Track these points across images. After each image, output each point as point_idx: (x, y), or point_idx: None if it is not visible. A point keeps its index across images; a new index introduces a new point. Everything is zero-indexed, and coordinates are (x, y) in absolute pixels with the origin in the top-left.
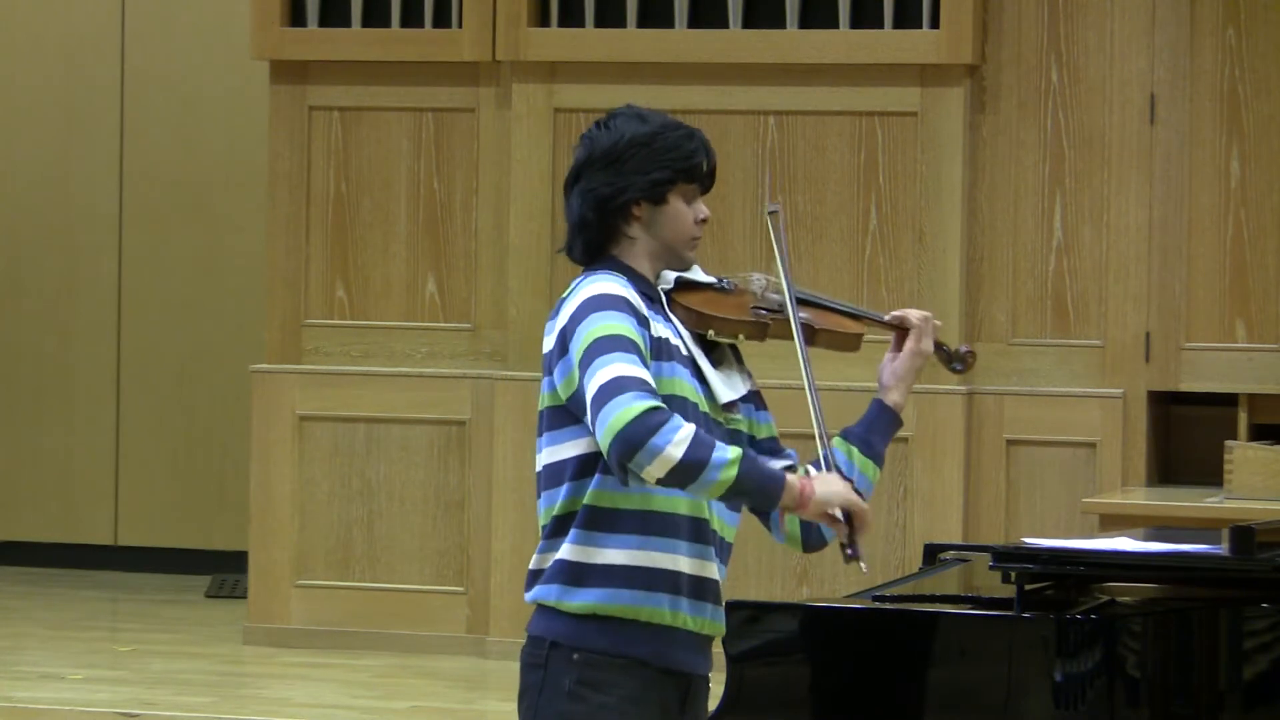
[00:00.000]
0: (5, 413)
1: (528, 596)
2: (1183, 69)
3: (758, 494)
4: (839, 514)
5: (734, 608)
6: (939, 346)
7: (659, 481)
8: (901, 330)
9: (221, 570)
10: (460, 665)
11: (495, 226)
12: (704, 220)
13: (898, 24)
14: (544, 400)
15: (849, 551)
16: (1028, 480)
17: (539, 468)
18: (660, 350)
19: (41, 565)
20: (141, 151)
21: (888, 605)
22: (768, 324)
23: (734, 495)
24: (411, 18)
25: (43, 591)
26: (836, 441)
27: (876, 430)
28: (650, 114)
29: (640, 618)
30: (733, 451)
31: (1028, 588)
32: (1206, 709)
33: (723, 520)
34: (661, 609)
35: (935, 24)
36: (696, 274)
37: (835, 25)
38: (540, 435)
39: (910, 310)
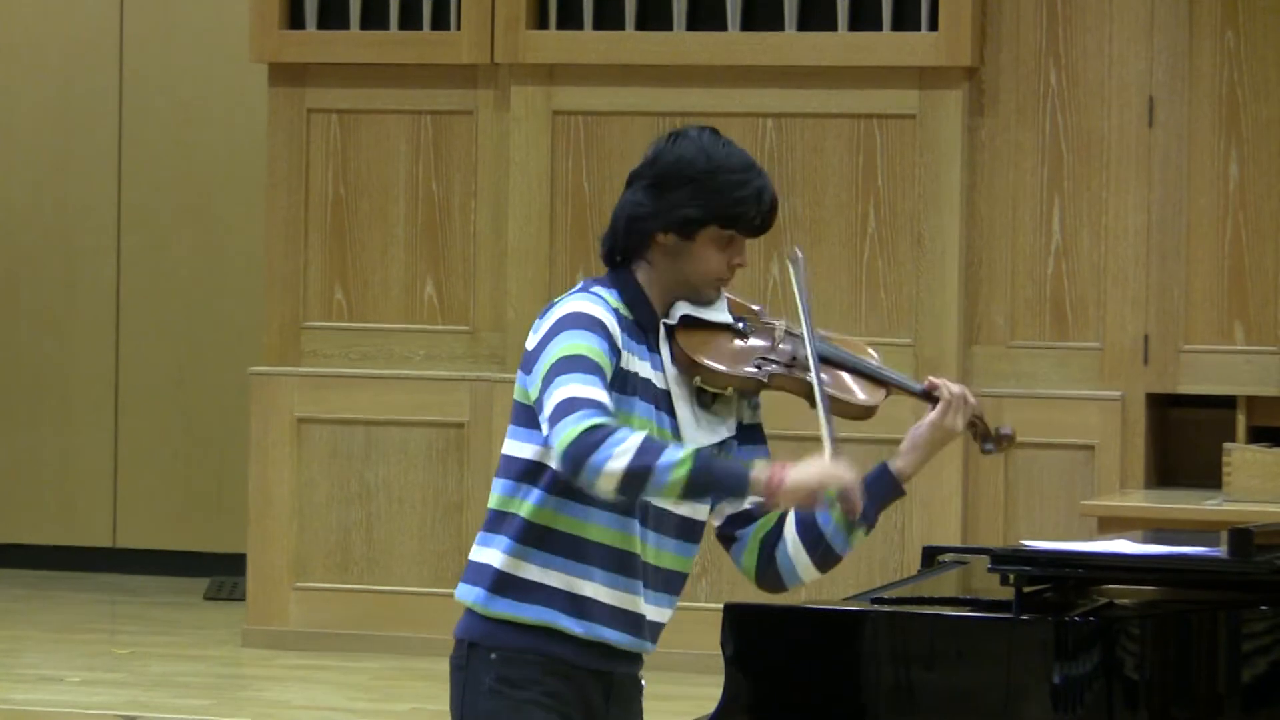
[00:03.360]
0: (4, 415)
1: (457, 594)
2: (1181, 72)
3: (718, 488)
4: (832, 492)
5: (732, 610)
6: (974, 423)
7: (616, 493)
8: (932, 402)
9: (220, 572)
10: None
11: (494, 229)
12: (738, 265)
13: (896, 26)
14: (518, 391)
15: (856, 520)
16: (1026, 483)
17: (502, 451)
18: (625, 383)
19: (40, 568)
20: (140, 154)
21: (886, 607)
22: (762, 381)
23: (694, 494)
24: (409, 20)
25: (41, 594)
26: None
27: (870, 493)
28: (717, 149)
29: (557, 628)
30: (684, 451)
31: (1026, 590)
32: (1205, 712)
33: (659, 550)
34: (574, 631)
35: (934, 27)
36: (716, 309)
37: (834, 28)
38: (510, 423)
39: (948, 382)
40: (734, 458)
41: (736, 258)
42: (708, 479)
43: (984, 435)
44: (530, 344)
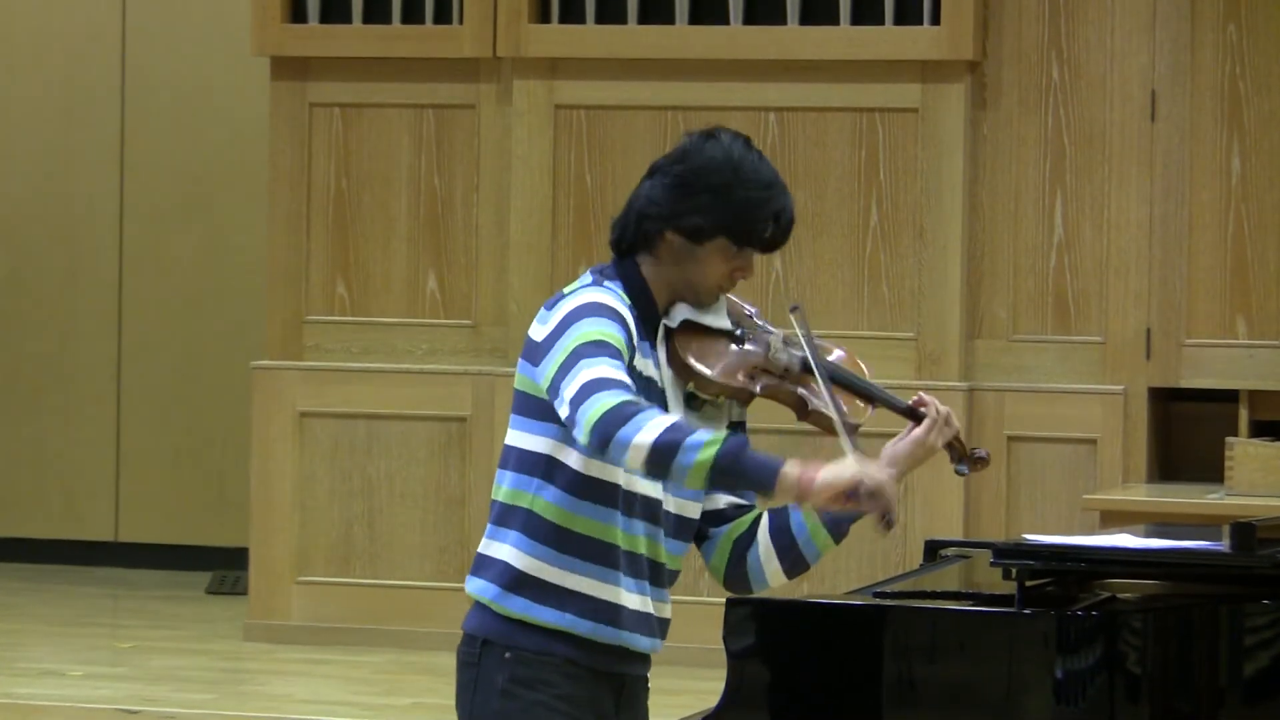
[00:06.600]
0: (6, 409)
1: (468, 588)
2: (1183, 65)
3: (744, 478)
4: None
5: (734, 605)
6: (951, 444)
7: (644, 469)
8: (916, 420)
9: (222, 567)
10: None
11: (496, 223)
12: (741, 276)
13: (898, 20)
14: (523, 382)
15: (886, 520)
16: (1028, 477)
17: (506, 442)
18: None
19: (42, 561)
20: (142, 148)
21: (888, 602)
22: (754, 393)
23: (719, 478)
24: (412, 14)
25: (43, 588)
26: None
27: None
28: (747, 161)
29: (575, 633)
30: (713, 434)
31: (1028, 584)
32: (1207, 706)
33: (664, 548)
34: (595, 636)
35: (936, 20)
36: (715, 312)
37: (836, 22)
38: (513, 413)
39: (934, 401)
40: (764, 451)
41: (742, 270)
42: (734, 465)
43: (959, 456)
44: (538, 334)
